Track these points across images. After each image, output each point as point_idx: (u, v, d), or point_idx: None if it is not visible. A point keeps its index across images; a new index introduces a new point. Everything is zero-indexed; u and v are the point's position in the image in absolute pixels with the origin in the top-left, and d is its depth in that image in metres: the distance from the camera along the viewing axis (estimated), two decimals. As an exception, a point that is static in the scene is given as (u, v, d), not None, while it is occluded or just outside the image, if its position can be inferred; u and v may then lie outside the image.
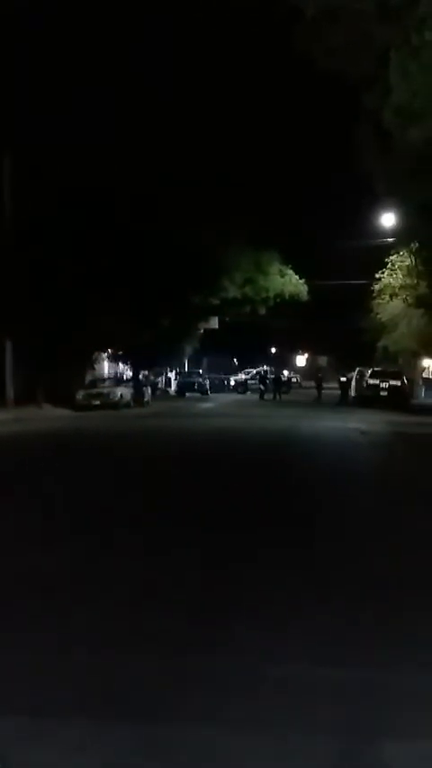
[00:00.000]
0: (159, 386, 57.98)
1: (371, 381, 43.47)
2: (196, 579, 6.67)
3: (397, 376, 44.43)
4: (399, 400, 40.57)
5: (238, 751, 3.73)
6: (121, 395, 40.29)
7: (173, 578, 6.66)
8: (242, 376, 70.03)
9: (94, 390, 39.86)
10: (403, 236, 38.96)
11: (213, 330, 56.21)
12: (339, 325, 60.49)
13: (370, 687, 4.42)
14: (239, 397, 58.25)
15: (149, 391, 46.62)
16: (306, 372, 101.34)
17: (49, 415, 32.70)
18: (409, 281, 40.85)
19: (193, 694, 4.31)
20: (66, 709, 4.12)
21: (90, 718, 4.01)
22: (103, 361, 50.35)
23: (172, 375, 62.11)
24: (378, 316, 46.64)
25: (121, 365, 51.45)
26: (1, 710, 4.09)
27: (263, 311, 51.17)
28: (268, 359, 77.65)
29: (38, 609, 5.80)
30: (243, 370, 72.72)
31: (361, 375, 46.04)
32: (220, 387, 66.04)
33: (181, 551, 7.70)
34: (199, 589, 6.37)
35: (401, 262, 41.45)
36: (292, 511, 10.35)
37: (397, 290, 42.58)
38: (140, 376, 47.94)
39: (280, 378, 59.87)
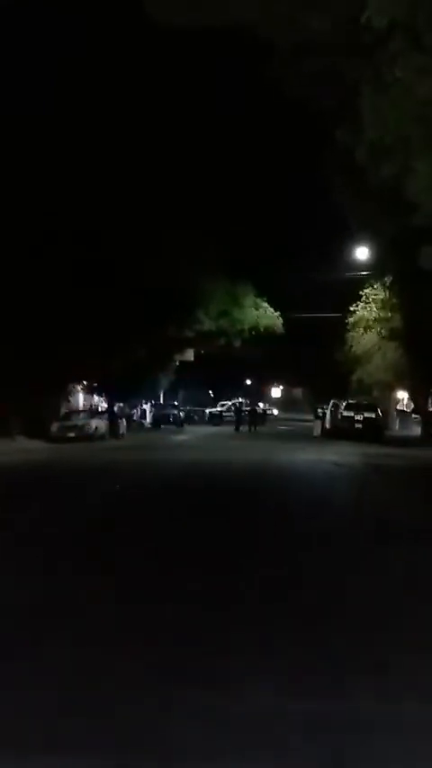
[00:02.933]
0: (134, 418, 57.85)
1: (345, 413, 43.57)
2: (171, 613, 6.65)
3: (371, 408, 44.58)
4: (373, 432, 40.67)
5: None
6: (96, 427, 40.21)
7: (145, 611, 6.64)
8: (218, 408, 70.06)
9: (69, 422, 39.79)
10: (377, 269, 39.35)
11: (189, 362, 56.26)
12: (314, 357, 60.63)
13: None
14: (215, 429, 58.21)
15: (124, 423, 46.50)
16: (282, 404, 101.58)
17: (23, 447, 32.53)
18: (383, 314, 41.19)
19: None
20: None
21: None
22: (78, 393, 50.24)
23: (147, 407, 62.00)
24: (353, 348, 46.88)
25: (96, 397, 51.33)
26: None
27: (238, 343, 51.25)
28: (243, 391, 77.74)
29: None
30: (218, 402, 72.76)
31: (335, 407, 46.15)
32: (196, 419, 65.99)
33: (155, 585, 7.68)
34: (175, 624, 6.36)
35: (375, 295, 41.79)
36: (265, 543, 10.34)
37: (371, 322, 42.86)
38: (115, 408, 47.84)
39: (255, 410, 59.93)
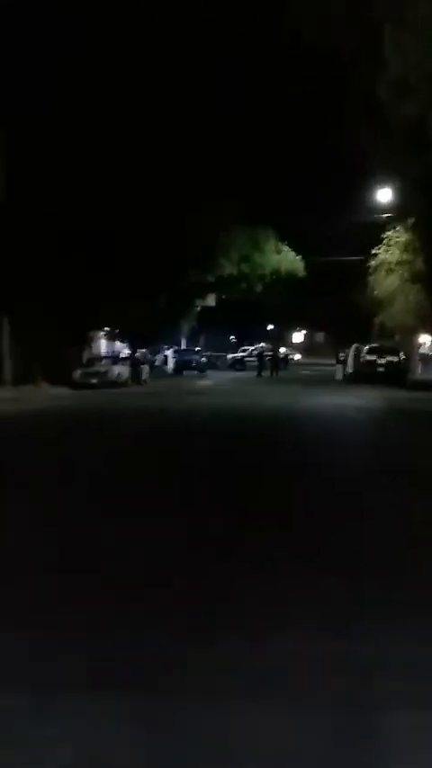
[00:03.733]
0: (157, 364, 57.98)
1: (368, 358, 43.44)
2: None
3: (394, 352, 44.40)
4: (396, 376, 40.50)
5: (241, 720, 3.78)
6: (119, 373, 40.37)
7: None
8: (239, 354, 70.06)
9: (92, 369, 39.93)
10: (399, 211, 38.97)
11: (210, 308, 56.18)
12: (336, 301, 60.31)
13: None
14: (237, 374, 58.30)
15: (147, 369, 46.65)
16: (304, 349, 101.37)
17: (47, 394, 32.74)
18: (405, 256, 40.80)
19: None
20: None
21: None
22: (101, 339, 50.34)
23: (169, 353, 62.05)
24: (375, 292, 46.56)
25: (118, 343, 51.42)
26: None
27: (259, 288, 51.14)
28: (265, 336, 77.53)
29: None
30: (240, 347, 72.70)
31: (358, 351, 46.00)
32: (218, 364, 66.05)
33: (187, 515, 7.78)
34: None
35: (398, 237, 41.38)
36: (284, 486, 10.43)
37: (393, 265, 42.51)
38: (137, 354, 47.93)
39: (277, 355, 59.90)
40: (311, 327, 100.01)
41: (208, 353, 66.02)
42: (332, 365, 52.56)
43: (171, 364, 60.64)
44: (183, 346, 64.25)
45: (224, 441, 16.06)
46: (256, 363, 56.74)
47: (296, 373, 59.32)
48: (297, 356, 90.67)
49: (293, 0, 17.85)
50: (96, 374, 38.98)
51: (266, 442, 15.86)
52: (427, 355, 56.20)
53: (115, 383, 38.48)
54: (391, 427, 19.78)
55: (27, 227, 32.45)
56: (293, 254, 49.99)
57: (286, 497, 9.56)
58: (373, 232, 42.95)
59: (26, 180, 32.06)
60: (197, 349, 64.43)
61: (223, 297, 54.69)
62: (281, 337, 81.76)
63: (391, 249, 42.23)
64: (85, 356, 43.36)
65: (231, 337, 79.72)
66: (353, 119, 21.70)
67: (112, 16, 30.84)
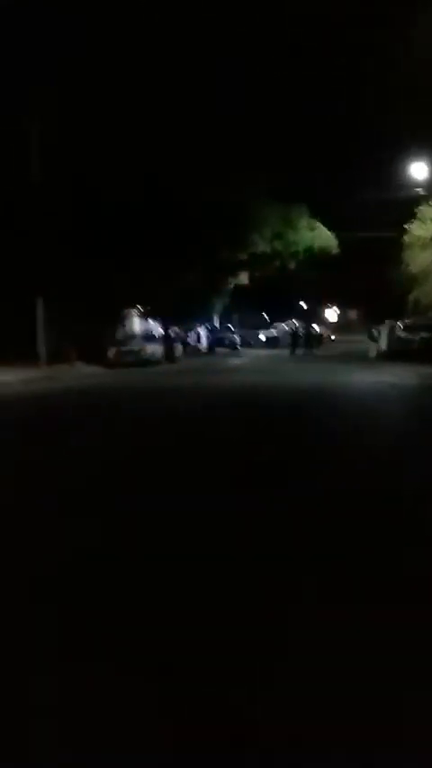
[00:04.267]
0: (190, 342, 58.01)
1: (402, 335, 43.13)
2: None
3: (429, 328, 44.04)
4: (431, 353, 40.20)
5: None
6: (152, 352, 40.47)
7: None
8: (272, 331, 69.87)
9: (126, 348, 40.08)
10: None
11: (243, 285, 56.06)
12: (370, 278, 59.98)
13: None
14: (270, 352, 58.17)
15: (180, 347, 46.71)
16: (337, 326, 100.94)
17: (81, 373, 32.92)
18: (439, 232, 40.51)
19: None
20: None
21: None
22: (134, 318, 50.46)
23: (202, 331, 62.07)
24: (409, 267, 46.22)
25: (151, 322, 51.53)
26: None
27: (292, 265, 50.95)
28: (299, 313, 77.27)
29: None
30: (273, 325, 72.52)
31: (391, 328, 45.67)
32: (251, 342, 65.94)
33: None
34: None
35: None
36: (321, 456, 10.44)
37: (428, 241, 42.19)
38: (171, 332, 48.00)
39: (310, 332, 59.71)
40: (345, 304, 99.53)
41: (241, 331, 65.94)
42: (366, 342, 52.27)
43: (204, 342, 60.66)
44: (216, 324, 64.22)
45: (259, 419, 16.07)
46: (290, 341, 56.57)
47: (330, 350, 59.11)
48: (330, 333, 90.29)
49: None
50: (130, 353, 39.11)
51: (303, 416, 15.86)
52: (463, 332, 55.88)
53: (149, 362, 38.60)
54: (426, 404, 19.72)
55: (59, 208, 32.58)
56: (327, 230, 49.74)
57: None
58: (406, 207, 42.65)
59: (57, 161, 32.17)
60: (230, 327, 64.34)
61: (256, 274, 54.56)
62: (314, 314, 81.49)
63: (426, 224, 41.90)
64: (119, 335, 43.48)
65: (264, 315, 79.59)
66: (389, 92, 21.54)
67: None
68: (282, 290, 63.87)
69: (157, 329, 50.51)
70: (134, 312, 49.33)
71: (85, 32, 30.10)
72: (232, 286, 55.48)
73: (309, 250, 49.54)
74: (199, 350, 58.21)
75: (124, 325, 47.54)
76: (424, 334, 42.72)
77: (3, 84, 29.64)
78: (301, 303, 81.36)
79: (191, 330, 60.69)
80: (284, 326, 67.18)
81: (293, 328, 60.48)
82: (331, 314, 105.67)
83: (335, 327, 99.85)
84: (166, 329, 47.97)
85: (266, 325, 74.71)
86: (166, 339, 45.74)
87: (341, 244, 50.67)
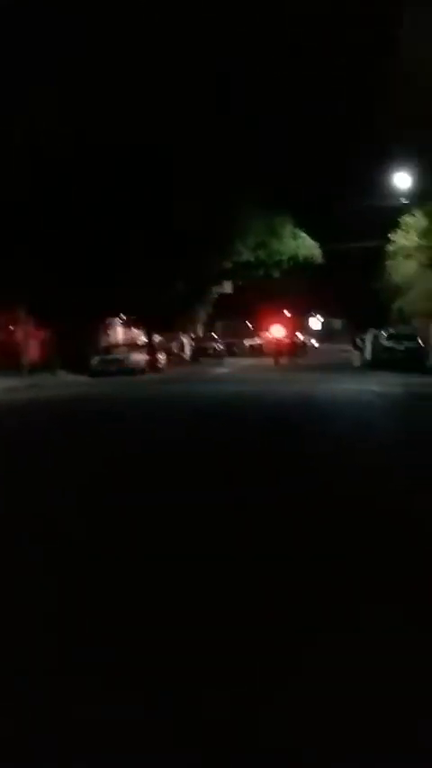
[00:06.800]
0: (174, 351, 57.91)
1: (386, 343, 43.26)
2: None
3: (413, 338, 44.20)
4: (415, 362, 40.34)
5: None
6: (136, 360, 40.36)
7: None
8: (257, 340, 69.86)
9: (109, 356, 40.01)
10: (417, 196, 38.77)
11: (227, 294, 56.03)
12: (353, 287, 60.11)
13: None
14: (254, 360, 58.12)
15: (164, 356, 46.62)
16: (321, 335, 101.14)
17: (64, 382, 32.77)
18: (423, 242, 40.59)
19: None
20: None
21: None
22: (117, 326, 50.37)
23: (186, 340, 61.99)
24: (392, 277, 46.35)
25: (134, 330, 51.41)
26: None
27: (276, 274, 51.01)
28: (282, 323, 77.31)
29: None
30: (257, 333, 72.49)
31: (375, 337, 45.81)
32: (235, 351, 65.91)
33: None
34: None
35: (416, 222, 41.15)
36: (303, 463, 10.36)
37: (411, 251, 42.31)
38: (154, 341, 47.90)
39: (294, 341, 59.71)
40: (329, 313, 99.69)
41: (225, 340, 65.91)
42: (349, 351, 52.43)
43: (188, 351, 60.56)
44: (200, 333, 64.17)
45: (246, 426, 15.97)
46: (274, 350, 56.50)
47: (313, 359, 59.16)
48: (314, 342, 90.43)
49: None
50: (114, 361, 39.03)
51: (287, 427, 15.77)
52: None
53: (132, 370, 38.48)
54: (412, 412, 19.69)
55: (46, 220, 32.46)
56: (310, 240, 49.86)
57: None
58: (390, 217, 42.76)
59: (45, 177, 31.95)
60: (214, 336, 64.29)
61: (240, 283, 54.57)
62: (298, 323, 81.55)
63: (409, 234, 42.01)
64: (103, 343, 43.38)
65: (248, 323, 79.58)
66: (372, 103, 21.56)
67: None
68: (266, 299, 63.89)
69: (140, 338, 50.42)
70: (118, 321, 49.22)
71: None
72: (216, 295, 55.45)
73: (293, 259, 49.66)
74: (183, 359, 58.14)
75: (108, 334, 47.43)
76: (407, 344, 42.88)
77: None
78: (285, 312, 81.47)
79: (175, 339, 60.56)
80: (269, 335, 67.13)
81: (278, 337, 60.41)
82: (315, 323, 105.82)
83: (319, 336, 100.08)
84: (149, 338, 47.87)
85: (250, 334, 74.74)
86: (149, 348, 45.66)
87: (325, 253, 50.80)
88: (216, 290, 53.76)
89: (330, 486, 9.13)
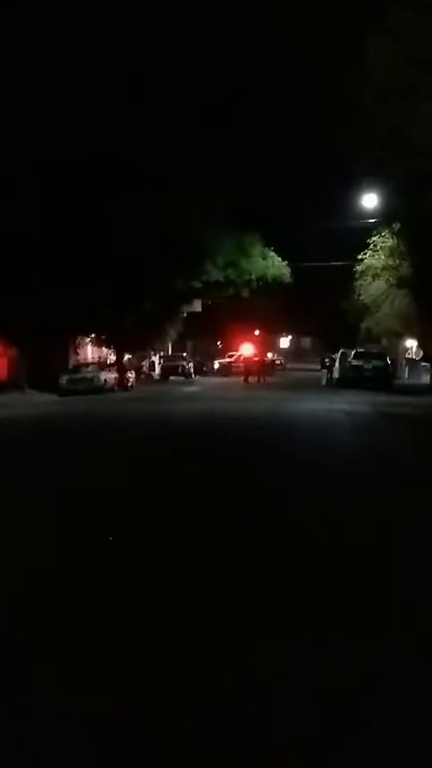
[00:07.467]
0: (143, 370, 57.91)
1: (354, 362, 43.57)
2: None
3: (380, 357, 44.55)
4: (383, 381, 40.67)
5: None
6: (105, 379, 40.33)
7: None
8: (226, 359, 70.00)
9: (78, 375, 39.96)
10: (385, 216, 39.11)
11: (197, 313, 56.08)
12: (323, 306, 60.46)
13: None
14: (223, 379, 58.24)
15: (133, 375, 46.60)
16: (291, 354, 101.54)
17: (33, 401, 32.68)
18: (391, 261, 40.93)
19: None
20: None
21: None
22: (87, 345, 50.30)
23: (155, 359, 62.00)
24: (361, 297, 46.67)
25: (104, 349, 51.36)
26: None
27: (246, 294, 51.18)
28: (252, 341, 77.62)
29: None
30: (227, 353, 72.67)
31: (344, 356, 46.12)
32: (204, 370, 65.99)
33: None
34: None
35: (383, 242, 41.50)
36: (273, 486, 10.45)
37: (379, 270, 42.64)
38: (124, 360, 47.86)
39: (264, 360, 59.85)
40: (298, 332, 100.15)
41: (195, 359, 65.96)
42: (318, 370, 52.68)
43: (158, 370, 60.58)
44: (169, 352, 64.19)
45: (211, 450, 16.05)
46: (242, 369, 56.63)
47: (283, 378, 59.36)
48: (284, 361, 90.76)
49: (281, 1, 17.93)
50: (83, 380, 38.99)
51: (256, 446, 15.87)
52: (413, 360, 56.58)
53: (102, 389, 38.44)
54: (380, 429, 19.83)
55: (12, 241, 32.26)
56: (279, 259, 50.15)
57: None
58: (359, 237, 43.08)
59: (8, 198, 31.62)
60: (184, 355, 64.31)
61: (209, 302, 54.68)
62: (267, 342, 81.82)
63: (377, 254, 42.35)
64: (72, 362, 43.32)
65: (218, 343, 79.73)
66: (338, 124, 21.78)
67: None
68: (235, 318, 64.09)
69: (110, 357, 50.36)
70: (87, 340, 49.16)
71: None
72: (185, 314, 55.48)
73: (262, 278, 49.88)
74: (152, 377, 58.11)
75: (77, 353, 47.38)
76: (375, 363, 43.22)
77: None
78: (255, 331, 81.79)
79: (144, 358, 60.59)
80: (237, 354, 67.31)
81: (246, 356, 60.58)
82: (285, 342, 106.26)
83: (288, 355, 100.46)
84: (119, 357, 47.83)
85: (220, 353, 74.89)
86: (119, 367, 45.62)
87: (294, 272, 51.07)
88: (186, 308, 53.77)
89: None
